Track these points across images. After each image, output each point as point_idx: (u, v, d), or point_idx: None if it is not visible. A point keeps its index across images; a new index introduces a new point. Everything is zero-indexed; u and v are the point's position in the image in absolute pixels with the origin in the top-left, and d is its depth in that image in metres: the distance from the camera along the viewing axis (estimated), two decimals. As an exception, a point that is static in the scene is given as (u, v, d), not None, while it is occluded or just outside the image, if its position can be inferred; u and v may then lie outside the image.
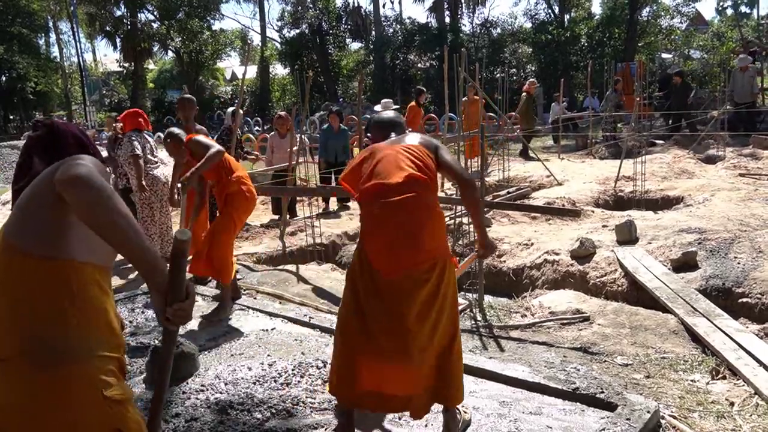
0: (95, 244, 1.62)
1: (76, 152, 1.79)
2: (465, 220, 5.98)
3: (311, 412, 3.21)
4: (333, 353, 2.90)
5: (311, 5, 30.64)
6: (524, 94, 13.98)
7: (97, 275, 1.68)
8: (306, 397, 3.33)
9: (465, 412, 3.01)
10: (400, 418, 3.10)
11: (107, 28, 33.34)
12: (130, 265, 5.19)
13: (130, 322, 4.68)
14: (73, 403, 1.59)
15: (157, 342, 3.91)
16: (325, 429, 3.02)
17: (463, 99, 9.77)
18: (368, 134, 3.13)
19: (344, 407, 2.87)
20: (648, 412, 2.98)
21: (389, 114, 3.18)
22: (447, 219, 6.94)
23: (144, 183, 6.25)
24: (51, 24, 33.92)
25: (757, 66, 13.18)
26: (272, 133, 9.15)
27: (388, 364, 2.65)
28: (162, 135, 8.01)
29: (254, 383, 3.54)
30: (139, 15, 32.67)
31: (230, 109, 8.21)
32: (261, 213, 10.28)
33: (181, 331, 4.49)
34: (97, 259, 1.68)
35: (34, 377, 1.56)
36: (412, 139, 2.92)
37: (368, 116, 22.25)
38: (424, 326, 2.64)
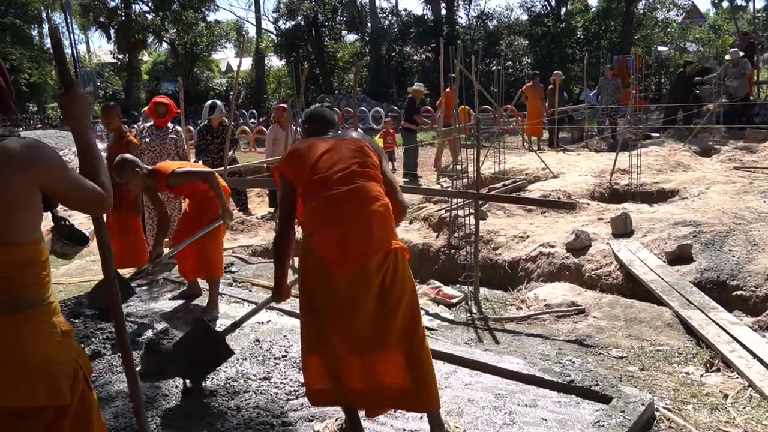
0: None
1: None
2: (461, 212, 5.97)
3: (306, 405, 3.20)
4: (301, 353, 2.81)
5: (307, -4, 30.51)
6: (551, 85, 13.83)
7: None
8: (301, 389, 3.33)
9: (456, 428, 2.85)
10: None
11: (101, 19, 33.14)
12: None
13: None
14: (40, 340, 1.72)
15: (150, 336, 3.89)
16: (320, 421, 3.02)
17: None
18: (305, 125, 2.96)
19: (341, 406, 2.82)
20: (642, 404, 2.99)
21: (327, 110, 3.03)
22: (443, 212, 6.95)
23: None
24: (44, 15, 33.61)
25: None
26: (273, 125, 9.01)
27: (347, 357, 2.58)
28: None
29: (249, 376, 3.54)
30: (133, 6, 32.47)
31: (207, 103, 7.89)
32: (257, 205, 10.27)
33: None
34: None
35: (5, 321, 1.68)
36: (355, 135, 2.84)
37: (364, 108, 22.01)
38: (380, 319, 2.54)
